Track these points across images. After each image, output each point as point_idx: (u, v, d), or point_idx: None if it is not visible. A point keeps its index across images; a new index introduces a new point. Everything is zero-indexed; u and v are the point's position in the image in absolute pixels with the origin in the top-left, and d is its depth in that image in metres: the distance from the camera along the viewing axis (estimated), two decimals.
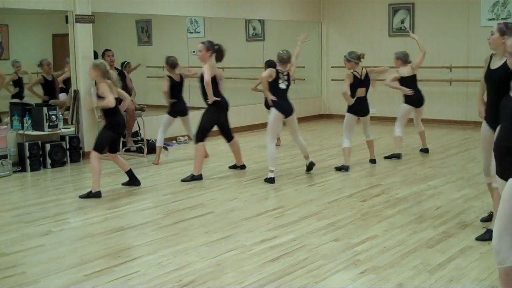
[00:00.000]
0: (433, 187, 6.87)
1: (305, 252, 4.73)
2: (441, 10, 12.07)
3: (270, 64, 9.71)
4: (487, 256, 4.56)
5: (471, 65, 11.28)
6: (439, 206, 6.07)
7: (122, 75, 9.10)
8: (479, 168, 7.86)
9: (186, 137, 10.50)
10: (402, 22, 12.54)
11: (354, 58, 7.77)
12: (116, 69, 9.22)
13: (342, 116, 7.85)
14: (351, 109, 7.86)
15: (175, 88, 8.55)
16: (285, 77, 7.38)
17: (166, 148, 9.77)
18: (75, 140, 8.78)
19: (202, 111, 7.61)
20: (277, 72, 7.34)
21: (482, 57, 12.82)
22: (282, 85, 7.34)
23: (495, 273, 4.21)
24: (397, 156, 8.58)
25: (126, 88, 9.10)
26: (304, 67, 12.54)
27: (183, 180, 7.41)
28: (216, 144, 9.91)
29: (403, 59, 8.63)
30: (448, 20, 11.96)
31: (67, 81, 10.13)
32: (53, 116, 8.48)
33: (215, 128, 7.70)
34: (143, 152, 9.09)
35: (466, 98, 11.67)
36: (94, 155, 6.72)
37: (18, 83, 10.60)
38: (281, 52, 7.43)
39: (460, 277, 4.18)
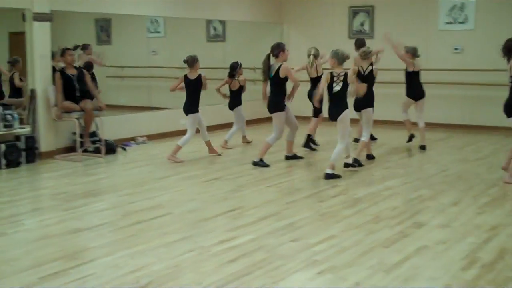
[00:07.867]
0: (390, 188, 6.96)
1: (264, 252, 4.73)
2: (400, 13, 12.26)
3: None
4: (442, 256, 4.65)
5: (429, 67, 11.45)
6: (396, 206, 6.15)
7: (81, 75, 8.94)
8: (436, 169, 8.02)
9: (144, 138, 10.40)
10: (362, 24, 12.70)
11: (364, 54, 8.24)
12: (75, 67, 9.03)
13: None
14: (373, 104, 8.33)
15: None
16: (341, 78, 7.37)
17: (124, 149, 9.65)
18: (31, 140, 8.58)
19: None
20: (332, 76, 7.40)
21: (440, 59, 12.94)
22: (337, 87, 7.38)
23: (449, 272, 4.31)
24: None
25: (86, 87, 8.94)
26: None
27: None
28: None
29: (412, 52, 9.33)
30: (407, 23, 12.14)
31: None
32: (8, 116, 8.30)
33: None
34: (100, 153, 8.96)
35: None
36: None
37: None
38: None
39: (415, 276, 4.25)
